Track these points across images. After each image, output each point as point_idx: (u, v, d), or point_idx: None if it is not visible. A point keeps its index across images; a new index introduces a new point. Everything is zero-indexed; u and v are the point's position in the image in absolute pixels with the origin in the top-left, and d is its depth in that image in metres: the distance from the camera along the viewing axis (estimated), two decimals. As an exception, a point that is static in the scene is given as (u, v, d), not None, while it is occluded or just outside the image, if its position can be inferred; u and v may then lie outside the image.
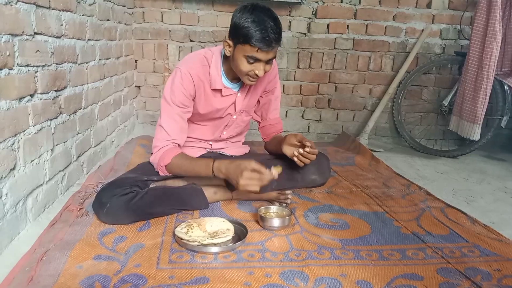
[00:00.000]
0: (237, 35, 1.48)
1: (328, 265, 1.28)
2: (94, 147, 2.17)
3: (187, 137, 1.73)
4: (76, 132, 1.89)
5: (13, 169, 1.35)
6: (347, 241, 1.46)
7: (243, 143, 1.99)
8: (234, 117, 1.78)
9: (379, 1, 3.09)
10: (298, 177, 1.76)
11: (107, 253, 1.29)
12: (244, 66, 1.52)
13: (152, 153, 1.66)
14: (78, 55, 1.87)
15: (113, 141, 2.55)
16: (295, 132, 3.19)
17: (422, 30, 3.14)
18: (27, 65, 1.41)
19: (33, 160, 1.48)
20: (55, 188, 1.69)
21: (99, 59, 2.20)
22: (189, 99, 1.63)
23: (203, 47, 3.02)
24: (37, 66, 1.48)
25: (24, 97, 1.40)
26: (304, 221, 1.62)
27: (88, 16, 2.01)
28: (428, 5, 3.12)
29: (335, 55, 3.16)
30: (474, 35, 2.61)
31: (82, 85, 1.95)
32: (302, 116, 3.28)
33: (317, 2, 3.04)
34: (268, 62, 1.53)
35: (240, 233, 1.45)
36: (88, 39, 2.02)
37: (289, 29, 3.09)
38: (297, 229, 1.54)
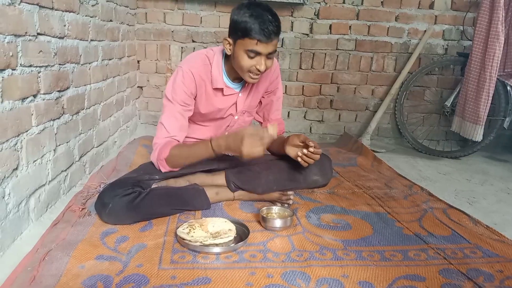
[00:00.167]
0: (236, 30, 1.49)
1: (330, 265, 1.28)
2: (97, 147, 2.17)
3: (190, 137, 1.74)
4: (78, 133, 1.89)
5: (16, 169, 1.35)
6: (349, 242, 1.45)
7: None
8: (236, 117, 1.78)
9: (381, 2, 3.08)
10: (300, 178, 1.76)
11: (109, 253, 1.29)
12: (245, 61, 1.52)
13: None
14: (81, 55, 1.88)
15: (115, 142, 2.55)
16: (298, 132, 3.20)
17: (425, 31, 3.14)
18: (30, 66, 1.41)
19: (35, 160, 1.48)
20: (58, 188, 1.69)
21: (102, 60, 2.20)
22: (190, 97, 1.63)
23: (206, 48, 3.02)
24: (40, 67, 1.49)
25: (27, 98, 1.41)
26: (306, 221, 1.62)
27: (91, 17, 2.01)
28: (431, 6, 3.12)
29: (337, 55, 3.16)
30: (477, 36, 2.60)
31: (84, 85, 1.95)
32: (304, 117, 3.28)
33: (319, 3, 3.05)
34: (269, 56, 1.53)
35: (242, 234, 1.45)
36: (91, 40, 2.02)
37: (291, 30, 3.09)
38: (299, 229, 1.54)
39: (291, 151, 1.66)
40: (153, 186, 1.63)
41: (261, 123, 1.92)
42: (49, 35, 1.55)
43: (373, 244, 1.45)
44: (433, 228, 1.60)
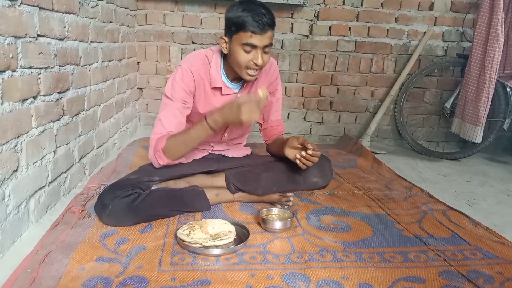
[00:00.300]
0: (231, 26, 1.51)
1: (330, 267, 1.28)
2: (97, 149, 2.17)
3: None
4: (78, 134, 1.89)
5: (16, 170, 1.35)
6: (349, 244, 1.45)
7: (245, 145, 1.99)
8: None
9: (381, 3, 3.09)
10: (300, 180, 1.76)
11: (109, 255, 1.29)
12: (242, 56, 1.52)
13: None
14: (81, 57, 1.88)
15: (115, 143, 2.55)
16: (297, 134, 3.20)
17: (424, 32, 3.14)
18: (30, 67, 1.41)
19: (35, 162, 1.48)
20: (58, 190, 1.69)
21: (102, 61, 2.20)
22: (189, 95, 1.63)
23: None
24: (40, 68, 1.49)
25: (27, 99, 1.41)
26: (306, 223, 1.62)
27: (91, 18, 2.02)
28: (430, 7, 3.12)
29: (337, 57, 3.16)
30: (477, 37, 2.60)
31: (84, 87, 1.95)
32: (304, 118, 3.29)
33: (319, 4, 3.05)
34: (265, 50, 1.53)
35: (242, 235, 1.45)
36: (91, 41, 2.02)
37: (291, 31, 3.09)
38: (299, 231, 1.54)
39: (290, 153, 1.65)
40: (153, 188, 1.63)
41: (260, 124, 1.92)
42: (49, 37, 1.55)
43: (373, 245, 1.45)
44: (433, 229, 1.60)
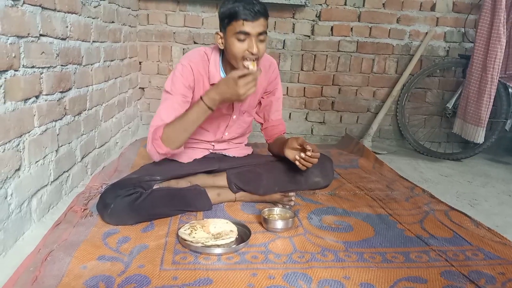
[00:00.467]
0: (224, 19, 1.51)
1: (332, 267, 1.28)
2: (99, 148, 2.18)
3: (189, 138, 1.73)
4: (80, 133, 1.90)
5: (18, 169, 1.35)
6: (350, 244, 1.45)
7: (246, 145, 1.99)
8: (234, 117, 1.78)
9: (383, 4, 3.09)
10: (302, 180, 1.76)
11: (111, 253, 1.30)
12: (236, 47, 1.50)
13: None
14: (83, 56, 1.89)
15: (117, 142, 2.56)
16: (299, 134, 3.20)
17: (426, 32, 3.14)
18: (33, 67, 1.42)
19: (38, 161, 1.49)
20: (60, 189, 1.70)
21: (104, 61, 2.21)
22: (189, 89, 1.62)
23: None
24: (43, 68, 1.49)
25: (30, 98, 1.41)
26: (307, 223, 1.62)
27: (93, 18, 2.02)
28: (432, 8, 3.12)
29: (338, 57, 3.16)
30: (478, 38, 2.60)
31: (86, 86, 1.96)
32: (306, 118, 3.28)
33: (321, 4, 3.05)
34: (260, 38, 1.50)
35: (244, 235, 1.45)
36: (93, 41, 2.03)
37: (293, 32, 3.09)
38: (300, 231, 1.54)
39: (290, 154, 1.65)
40: (154, 187, 1.63)
41: (261, 124, 1.92)
42: (51, 36, 1.55)
43: (374, 245, 1.45)
44: (435, 230, 1.60)
